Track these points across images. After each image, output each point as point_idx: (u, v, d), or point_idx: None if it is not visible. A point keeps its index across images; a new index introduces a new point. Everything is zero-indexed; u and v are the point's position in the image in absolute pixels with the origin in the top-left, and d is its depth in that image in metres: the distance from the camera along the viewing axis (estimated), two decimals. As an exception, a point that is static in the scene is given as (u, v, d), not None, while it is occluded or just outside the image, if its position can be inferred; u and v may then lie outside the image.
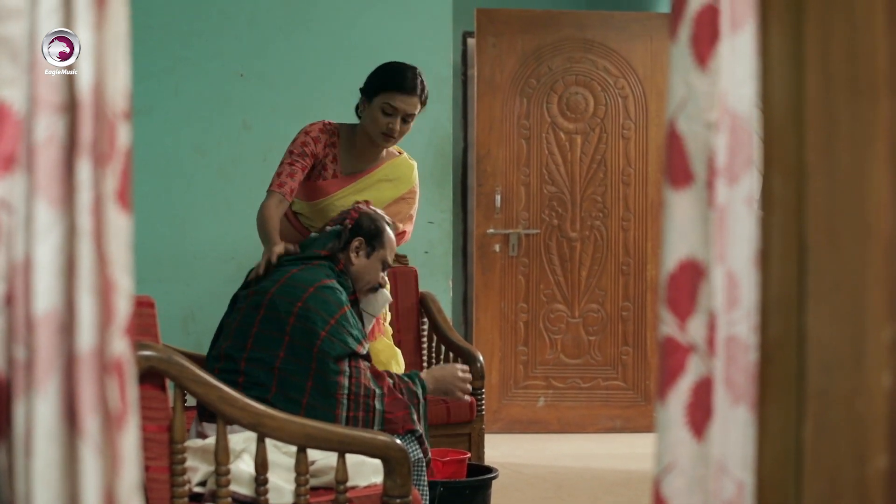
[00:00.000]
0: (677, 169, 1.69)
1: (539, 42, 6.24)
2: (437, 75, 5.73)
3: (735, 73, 1.68)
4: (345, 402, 3.25)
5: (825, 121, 1.60)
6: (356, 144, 4.16)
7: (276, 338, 3.28)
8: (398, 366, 4.13)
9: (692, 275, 1.69)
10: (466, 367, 3.75)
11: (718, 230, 1.68)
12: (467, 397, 4.07)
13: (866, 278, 1.58)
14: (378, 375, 3.34)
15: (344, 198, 4.09)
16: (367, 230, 3.61)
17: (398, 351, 4.14)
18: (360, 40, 5.53)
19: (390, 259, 3.67)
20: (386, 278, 3.71)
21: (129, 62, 1.69)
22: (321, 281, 3.40)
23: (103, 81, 1.65)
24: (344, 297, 3.43)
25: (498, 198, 6.28)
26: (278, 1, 5.49)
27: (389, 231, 3.66)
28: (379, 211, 3.74)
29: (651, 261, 6.29)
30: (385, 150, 4.18)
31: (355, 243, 3.58)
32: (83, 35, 1.64)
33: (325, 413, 3.21)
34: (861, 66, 1.58)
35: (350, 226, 3.62)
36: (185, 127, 5.42)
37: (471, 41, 6.98)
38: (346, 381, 3.26)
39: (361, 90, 4.12)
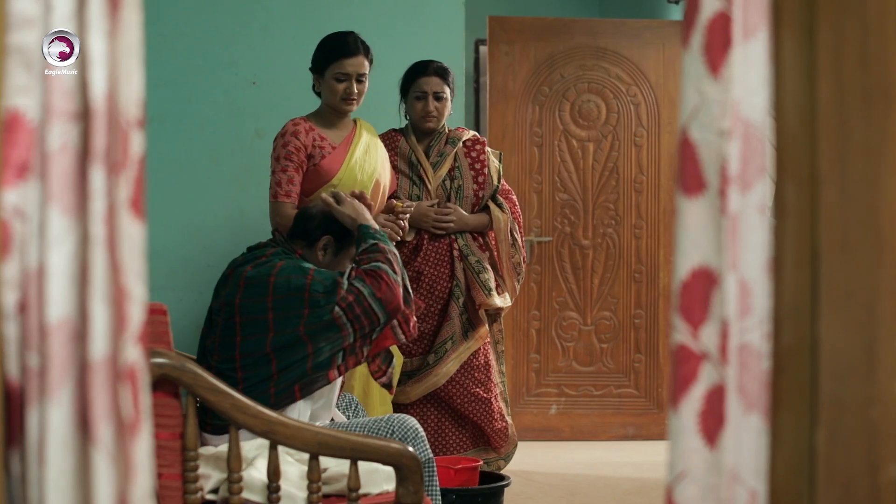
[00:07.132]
0: (690, 177, 1.69)
1: (551, 50, 6.24)
2: (450, 83, 5.73)
3: (747, 81, 1.67)
4: (348, 325, 3.16)
5: (838, 129, 1.60)
6: (329, 120, 4.27)
7: (260, 337, 3.15)
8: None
9: (705, 282, 1.69)
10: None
11: (731, 238, 1.67)
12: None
13: (879, 286, 1.58)
14: (360, 275, 3.20)
15: (351, 163, 4.18)
16: (336, 228, 3.39)
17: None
18: (372, 48, 5.54)
19: None
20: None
21: (143, 70, 1.70)
22: (276, 265, 3.21)
23: (117, 89, 1.65)
24: (306, 263, 3.25)
25: (510, 205, 6.28)
26: (291, 9, 5.50)
27: None
28: (347, 197, 3.48)
29: (663, 268, 6.28)
30: (350, 117, 4.32)
31: (323, 241, 3.37)
32: (97, 43, 1.64)
33: (334, 344, 3.15)
34: (874, 74, 1.58)
35: (319, 221, 3.39)
36: (197, 135, 5.43)
37: (483, 49, 6.98)
38: (340, 312, 3.14)
39: (312, 70, 4.31)
